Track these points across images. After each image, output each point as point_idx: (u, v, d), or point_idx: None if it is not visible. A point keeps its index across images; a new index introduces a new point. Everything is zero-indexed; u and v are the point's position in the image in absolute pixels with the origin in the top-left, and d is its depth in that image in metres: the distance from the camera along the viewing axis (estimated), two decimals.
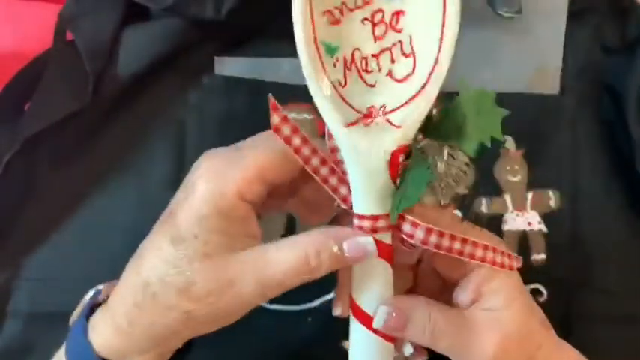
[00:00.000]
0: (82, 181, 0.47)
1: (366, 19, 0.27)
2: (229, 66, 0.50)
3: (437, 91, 0.26)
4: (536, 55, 0.51)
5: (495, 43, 0.51)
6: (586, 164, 0.50)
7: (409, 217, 0.28)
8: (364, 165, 0.27)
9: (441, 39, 0.26)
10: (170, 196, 0.47)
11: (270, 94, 0.27)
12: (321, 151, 0.27)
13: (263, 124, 0.48)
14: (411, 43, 0.27)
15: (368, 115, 0.27)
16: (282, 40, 0.50)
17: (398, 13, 0.27)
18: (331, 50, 0.26)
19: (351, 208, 0.28)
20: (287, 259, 0.27)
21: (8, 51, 0.50)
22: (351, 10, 0.26)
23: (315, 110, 0.48)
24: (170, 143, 0.48)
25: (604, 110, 0.51)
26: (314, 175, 0.27)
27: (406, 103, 0.27)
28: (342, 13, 0.26)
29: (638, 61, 0.49)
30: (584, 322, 0.48)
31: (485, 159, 0.50)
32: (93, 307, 0.32)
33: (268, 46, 0.50)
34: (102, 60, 0.46)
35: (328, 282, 0.32)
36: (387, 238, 0.28)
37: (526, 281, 0.47)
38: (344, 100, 0.27)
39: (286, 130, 0.26)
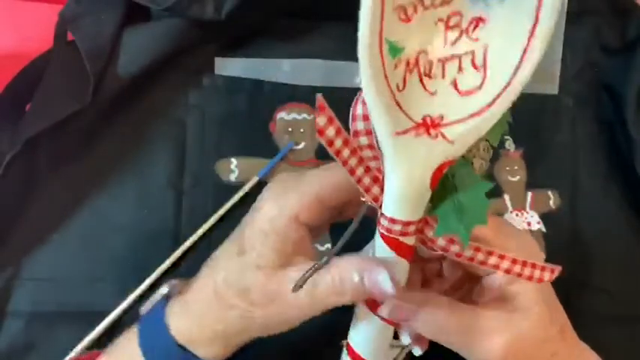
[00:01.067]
0: (82, 181, 0.47)
1: (440, 20, 0.24)
2: (229, 66, 0.50)
3: (500, 115, 0.24)
4: None
5: None
6: (585, 164, 0.50)
7: (434, 224, 0.27)
8: (405, 174, 0.25)
9: (521, 61, 0.23)
10: (170, 195, 0.47)
11: (319, 94, 0.24)
12: (360, 152, 0.26)
13: (263, 124, 0.49)
14: (485, 56, 0.24)
15: (422, 124, 0.24)
16: (282, 41, 0.50)
17: (478, 20, 0.24)
18: (395, 51, 0.23)
19: (381, 207, 0.27)
20: (326, 280, 0.29)
21: (9, 51, 0.50)
22: (426, 9, 0.23)
23: (313, 111, 0.49)
24: (170, 143, 0.48)
25: (603, 110, 0.51)
26: (350, 175, 0.26)
27: (466, 119, 0.24)
28: (415, 10, 0.23)
29: (638, 61, 0.49)
30: (583, 321, 0.48)
31: None
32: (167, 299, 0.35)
33: (268, 47, 0.50)
34: (102, 60, 0.46)
35: None
36: (411, 240, 0.27)
37: None
38: (399, 106, 0.24)
39: (330, 132, 0.24)
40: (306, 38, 0.51)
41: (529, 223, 0.49)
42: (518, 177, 0.50)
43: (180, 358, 0.32)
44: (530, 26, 0.22)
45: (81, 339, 0.44)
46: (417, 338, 0.33)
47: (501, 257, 0.28)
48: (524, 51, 0.22)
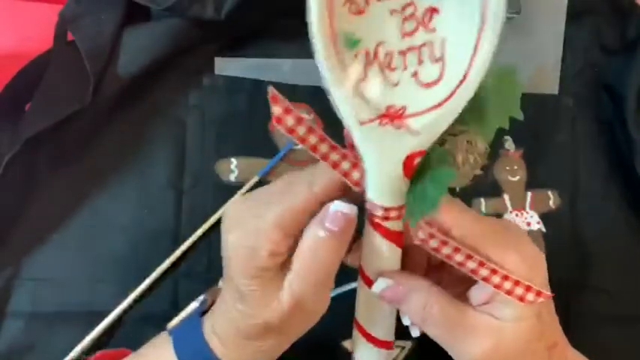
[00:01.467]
0: (82, 180, 0.47)
1: (395, 10, 0.24)
2: (229, 66, 0.50)
3: (462, 107, 0.25)
4: (536, 56, 0.51)
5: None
6: (585, 164, 0.50)
7: (425, 226, 0.27)
8: (378, 163, 0.26)
9: (475, 52, 0.23)
10: (170, 195, 0.47)
11: (270, 86, 0.25)
12: (329, 139, 0.26)
13: (262, 125, 0.49)
14: (442, 48, 0.24)
15: (385, 114, 0.24)
16: (282, 41, 0.50)
17: (432, 11, 0.24)
18: (352, 43, 0.24)
19: (364, 192, 0.28)
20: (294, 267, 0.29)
21: (9, 51, 0.50)
22: (379, 0, 0.23)
23: (314, 110, 0.49)
24: (170, 143, 0.48)
25: (603, 110, 0.51)
26: (323, 161, 0.26)
27: (428, 110, 0.25)
28: (367, 2, 0.23)
29: (638, 61, 0.49)
30: (583, 321, 0.48)
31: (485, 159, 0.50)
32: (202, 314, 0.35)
33: (268, 47, 0.50)
34: (102, 60, 0.46)
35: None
36: (397, 225, 0.28)
37: None
38: (361, 95, 0.24)
39: (290, 121, 0.25)
40: (306, 38, 0.51)
41: (529, 223, 0.49)
42: (518, 177, 0.50)
43: None
44: (479, 19, 0.23)
45: (81, 339, 0.44)
46: None
47: (493, 272, 0.28)
48: (478, 39, 0.23)
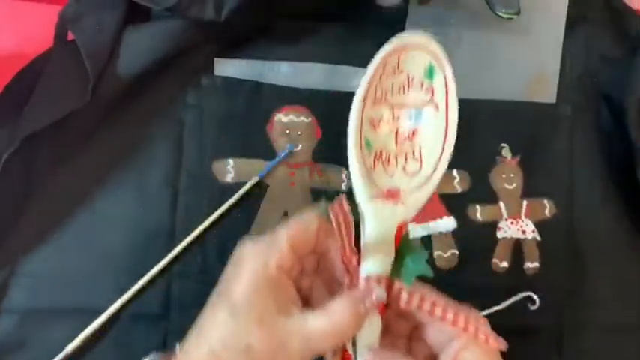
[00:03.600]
0: (80, 179, 0.47)
1: (392, 130, 0.37)
2: (229, 67, 0.50)
3: (434, 188, 0.36)
4: (534, 64, 0.51)
5: (494, 50, 0.51)
6: (581, 173, 0.50)
7: (397, 281, 0.35)
8: (378, 229, 0.35)
9: (441, 155, 0.36)
10: (166, 194, 0.48)
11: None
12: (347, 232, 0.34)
13: (260, 126, 0.49)
14: (420, 152, 0.37)
15: (387, 194, 0.36)
16: (281, 43, 0.50)
17: (414, 132, 0.37)
18: (369, 145, 0.37)
19: (358, 276, 0.34)
20: (325, 323, 0.32)
21: (9, 51, 0.50)
22: (386, 124, 0.37)
23: (312, 112, 0.49)
24: (169, 143, 0.49)
25: (601, 120, 0.51)
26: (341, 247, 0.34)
27: (413, 191, 0.36)
28: (379, 124, 0.37)
29: (637, 69, 0.48)
30: (576, 331, 0.48)
31: (481, 166, 0.50)
32: None
33: (267, 49, 0.50)
34: (102, 60, 0.46)
35: None
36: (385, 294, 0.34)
37: (519, 289, 0.48)
38: (372, 179, 0.36)
39: (340, 225, 0.34)
40: (305, 40, 0.51)
41: (524, 232, 0.49)
42: (514, 185, 0.50)
43: None
44: (442, 139, 0.36)
45: (74, 336, 0.44)
46: None
47: (457, 314, 0.34)
48: (443, 147, 0.36)
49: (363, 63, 0.37)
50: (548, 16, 0.51)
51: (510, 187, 0.50)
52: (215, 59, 0.50)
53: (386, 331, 0.35)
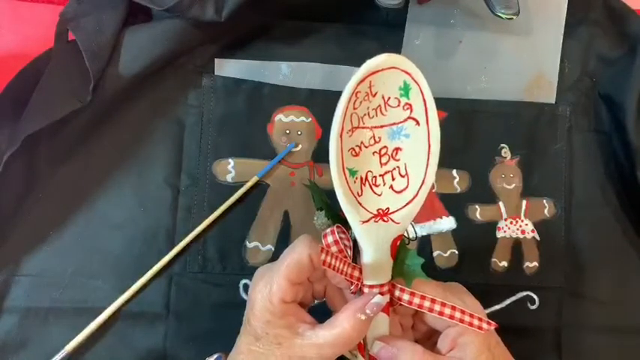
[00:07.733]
0: (80, 178, 0.47)
1: (375, 152, 0.38)
2: (229, 67, 0.50)
3: (423, 201, 0.38)
4: (534, 63, 0.51)
5: (494, 50, 0.51)
6: (581, 173, 0.50)
7: (399, 286, 0.38)
8: (373, 248, 0.37)
9: (426, 168, 0.38)
10: (166, 194, 0.48)
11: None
12: (337, 260, 0.37)
13: (261, 126, 0.49)
14: (405, 168, 0.38)
15: (377, 214, 0.38)
16: (281, 43, 0.51)
17: (397, 149, 0.38)
18: (353, 173, 0.38)
19: (362, 284, 0.38)
20: (332, 335, 0.36)
21: (9, 51, 0.50)
22: (367, 147, 0.38)
23: (311, 112, 0.49)
24: (169, 143, 0.49)
25: (600, 120, 0.51)
26: (338, 273, 0.37)
27: (403, 207, 0.38)
28: (360, 149, 0.38)
29: (637, 70, 0.49)
30: (575, 330, 0.48)
31: (481, 166, 0.50)
32: None
33: (268, 49, 0.50)
34: (103, 60, 0.46)
35: None
36: (385, 298, 0.38)
37: (518, 288, 0.48)
38: (361, 204, 0.38)
39: (329, 259, 0.36)
40: (305, 41, 0.51)
41: (523, 231, 0.49)
42: (513, 185, 0.50)
43: None
44: (426, 150, 0.38)
45: (74, 335, 0.44)
46: None
47: (453, 309, 0.37)
48: (427, 160, 0.38)
49: (363, 63, 0.37)
50: (547, 16, 0.51)
51: (510, 187, 0.50)
52: (215, 59, 0.50)
53: (394, 312, 0.39)
